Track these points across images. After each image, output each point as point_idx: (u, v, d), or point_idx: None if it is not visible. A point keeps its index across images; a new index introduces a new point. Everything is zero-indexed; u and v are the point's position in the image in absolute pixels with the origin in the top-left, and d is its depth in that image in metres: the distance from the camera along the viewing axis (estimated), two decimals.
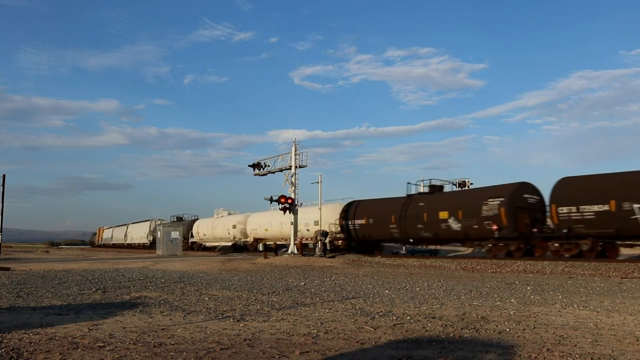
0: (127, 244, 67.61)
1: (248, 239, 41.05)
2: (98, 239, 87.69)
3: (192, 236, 49.64)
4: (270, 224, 38.00)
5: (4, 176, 30.94)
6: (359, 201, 31.95)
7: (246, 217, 42.26)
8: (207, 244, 47.99)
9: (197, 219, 51.91)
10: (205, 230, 47.59)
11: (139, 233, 63.49)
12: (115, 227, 78.72)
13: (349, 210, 31.36)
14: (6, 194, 30.95)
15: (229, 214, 46.97)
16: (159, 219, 60.54)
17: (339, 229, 32.01)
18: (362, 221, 30.01)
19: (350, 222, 30.83)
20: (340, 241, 32.42)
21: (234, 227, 42.92)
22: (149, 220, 61.86)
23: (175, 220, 57.12)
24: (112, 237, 77.65)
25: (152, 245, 56.30)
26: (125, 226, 71.39)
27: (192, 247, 49.32)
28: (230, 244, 43.44)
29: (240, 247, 41.56)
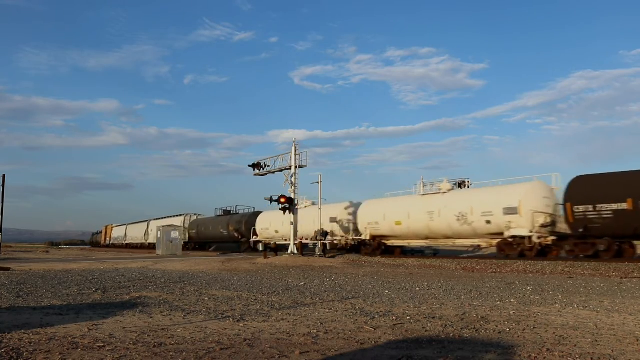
0: (149, 243, 57.61)
1: (362, 236, 29.54)
2: (104, 238, 78.86)
3: (254, 234, 38.83)
4: (407, 214, 26.42)
5: (4, 176, 30.95)
6: (607, 175, 19.94)
7: (356, 206, 31.34)
8: (285, 244, 36.06)
9: (260, 212, 40.55)
10: (279, 226, 35.73)
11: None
12: (130, 224, 69.16)
13: (582, 189, 20.06)
14: (6, 194, 30.97)
15: (313, 204, 35.48)
16: (195, 214, 52.45)
17: (549, 220, 21.40)
18: (621, 205, 18.39)
19: (586, 209, 19.35)
20: (550, 239, 21.06)
21: (334, 220, 32.25)
22: (182, 215, 52.61)
23: (221, 214, 46.15)
24: (125, 235, 68.51)
25: (186, 245, 47.83)
26: (146, 223, 60.66)
27: (256, 248, 38.67)
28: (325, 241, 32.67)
29: (353, 248, 30.24)
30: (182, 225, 49.52)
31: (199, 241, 49.40)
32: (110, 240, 75.65)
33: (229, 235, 42.50)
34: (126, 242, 67.30)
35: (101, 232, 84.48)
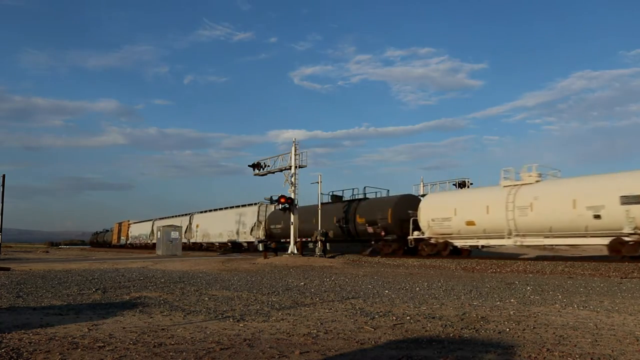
0: (192, 242, 46.19)
1: None
2: (117, 237, 68.07)
3: (416, 228, 26.08)
4: None
5: (3, 176, 30.94)
6: None
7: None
8: (492, 243, 24.14)
9: (424, 195, 28.36)
10: (477, 213, 23.71)
11: (231, 225, 40.23)
12: (158, 219, 55.91)
13: None
14: (6, 194, 30.95)
15: (541, 176, 23.04)
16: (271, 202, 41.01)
17: None
18: None
19: None
20: None
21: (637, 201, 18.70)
22: (256, 204, 38.98)
23: (329, 200, 32.48)
24: (152, 233, 55.24)
25: (263, 245, 36.00)
26: (188, 217, 47.91)
27: (416, 248, 26.11)
28: (603, 242, 19.85)
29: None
30: (256, 218, 38.19)
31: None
32: (127, 239, 64.18)
33: (352, 230, 29.55)
34: (154, 240, 53.01)
35: (111, 231, 74.59)
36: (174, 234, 35.77)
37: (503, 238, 23.02)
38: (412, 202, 27.95)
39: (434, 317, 7.31)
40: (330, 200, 32.49)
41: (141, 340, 5.53)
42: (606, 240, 19.88)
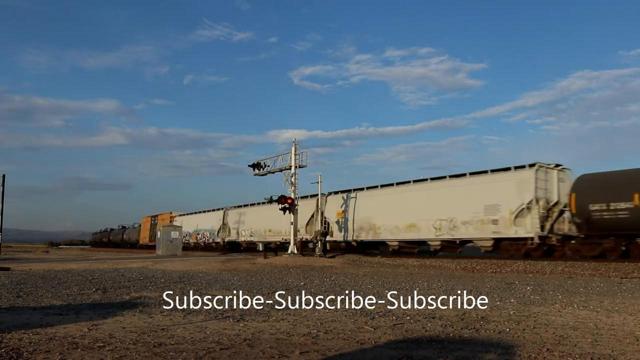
0: (333, 241, 30.65)
1: None
2: (150, 236, 52.03)
3: None
4: None
5: (3, 176, 31.00)
6: None
7: None
8: None
9: None
10: None
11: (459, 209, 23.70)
12: (232, 208, 41.10)
13: None
14: (6, 194, 31.01)
15: None
16: (551, 164, 22.37)
17: None
18: None
19: None
20: None
21: None
22: (518, 167, 22.69)
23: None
24: (224, 228, 41.05)
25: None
26: (313, 200, 31.96)
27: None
28: None
29: None
30: (534, 200, 21.30)
31: None
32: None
33: None
34: (229, 237, 40.39)
35: (137, 227, 60.10)
36: (174, 234, 35.82)
37: None
38: None
39: (434, 317, 7.31)
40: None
41: (141, 340, 5.54)
42: None
